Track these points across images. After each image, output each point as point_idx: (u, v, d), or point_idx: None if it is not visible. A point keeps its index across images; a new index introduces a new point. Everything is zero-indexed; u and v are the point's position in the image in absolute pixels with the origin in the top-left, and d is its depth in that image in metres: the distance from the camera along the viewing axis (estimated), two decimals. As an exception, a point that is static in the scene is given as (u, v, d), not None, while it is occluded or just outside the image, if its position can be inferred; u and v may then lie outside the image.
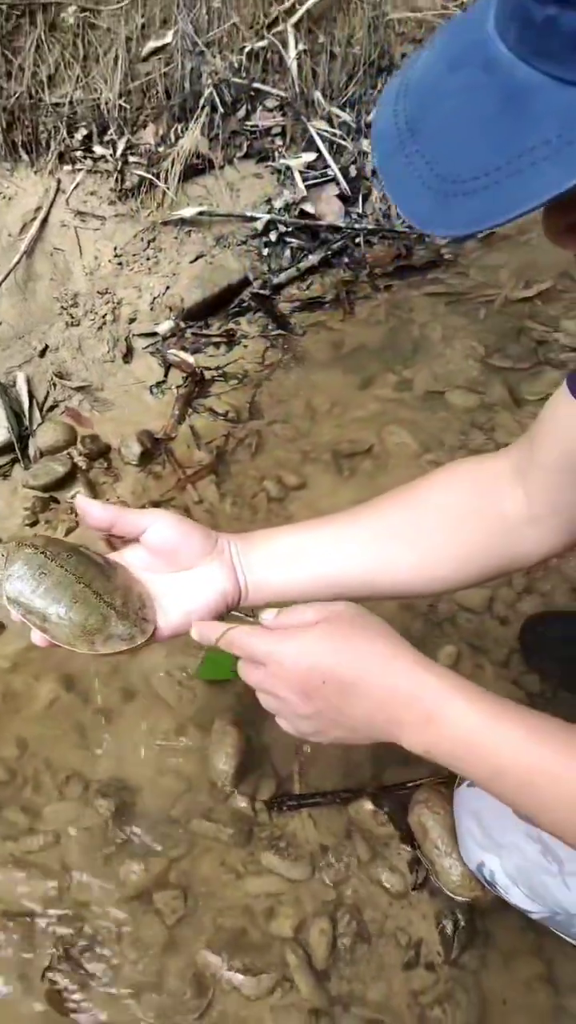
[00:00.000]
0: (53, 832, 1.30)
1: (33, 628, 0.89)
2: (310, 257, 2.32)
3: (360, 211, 2.42)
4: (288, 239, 2.33)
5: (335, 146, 2.42)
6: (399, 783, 1.33)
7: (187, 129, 2.30)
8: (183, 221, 2.24)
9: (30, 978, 1.16)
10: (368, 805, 1.30)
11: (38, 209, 2.15)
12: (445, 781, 1.27)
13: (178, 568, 0.95)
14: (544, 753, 0.74)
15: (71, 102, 2.24)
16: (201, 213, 2.25)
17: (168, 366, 2.05)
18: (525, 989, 1.16)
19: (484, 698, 0.77)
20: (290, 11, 2.40)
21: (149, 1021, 1.13)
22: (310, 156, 2.39)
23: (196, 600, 0.93)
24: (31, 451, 1.83)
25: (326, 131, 2.41)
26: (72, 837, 1.29)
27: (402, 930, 1.20)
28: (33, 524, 1.72)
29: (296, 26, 2.39)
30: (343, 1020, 1.13)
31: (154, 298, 2.14)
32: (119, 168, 2.25)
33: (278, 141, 2.42)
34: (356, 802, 1.31)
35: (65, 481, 1.80)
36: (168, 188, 2.24)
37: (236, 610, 0.96)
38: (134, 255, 2.18)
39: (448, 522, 0.99)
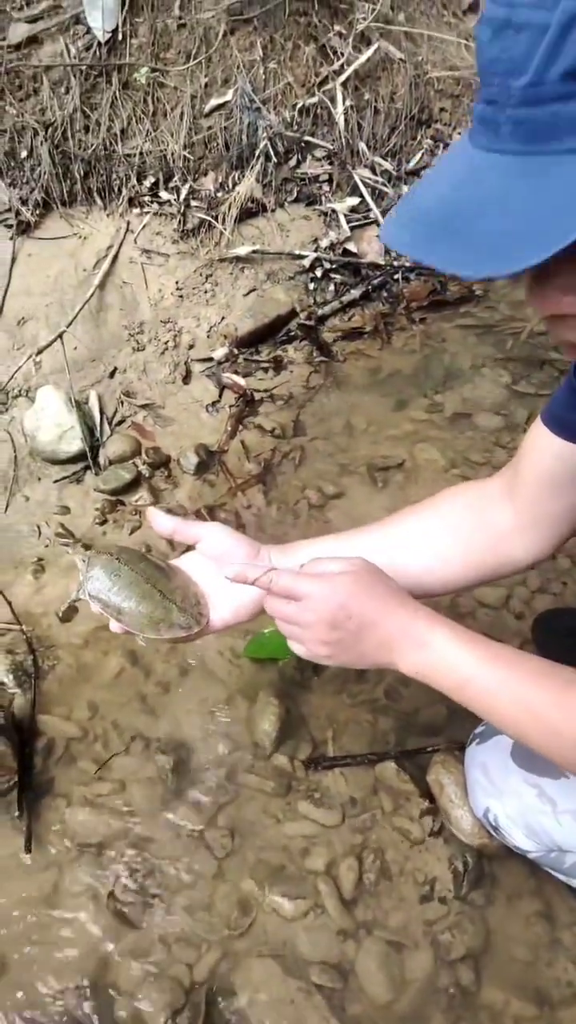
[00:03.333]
0: (120, 781, 1.50)
1: (111, 619, 1.11)
2: (352, 292, 2.54)
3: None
4: (332, 275, 2.56)
5: (377, 191, 2.66)
6: (420, 748, 1.51)
7: (243, 177, 2.55)
8: (238, 258, 2.48)
9: (99, 897, 1.36)
10: (392, 766, 1.48)
11: (109, 247, 2.41)
12: (460, 746, 1.46)
13: None
14: (496, 671, 0.97)
15: (141, 153, 2.50)
16: (254, 251, 2.49)
17: (222, 388, 2.28)
18: (525, 923, 1.34)
19: (459, 631, 1.00)
20: (339, 71, 2.65)
21: (200, 934, 1.32)
22: (354, 200, 2.63)
23: (242, 598, 1.12)
24: (101, 460, 2.07)
25: (369, 178, 2.65)
26: (135, 785, 1.49)
27: (419, 870, 1.38)
28: (102, 523, 1.95)
29: (344, 84, 2.64)
30: (366, 940, 1.31)
31: (211, 327, 2.38)
32: (182, 211, 2.50)
33: (325, 187, 2.66)
34: (382, 763, 1.49)
35: (131, 487, 2.03)
36: (225, 229, 2.48)
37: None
38: (193, 288, 2.42)
39: (452, 532, 1.20)
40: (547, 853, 1.25)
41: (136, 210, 2.49)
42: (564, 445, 1.06)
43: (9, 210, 2.35)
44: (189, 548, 1.18)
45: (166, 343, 2.32)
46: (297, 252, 2.53)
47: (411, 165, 2.71)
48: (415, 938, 1.32)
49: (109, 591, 1.10)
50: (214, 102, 2.56)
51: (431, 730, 1.56)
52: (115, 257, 2.40)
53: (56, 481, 2.03)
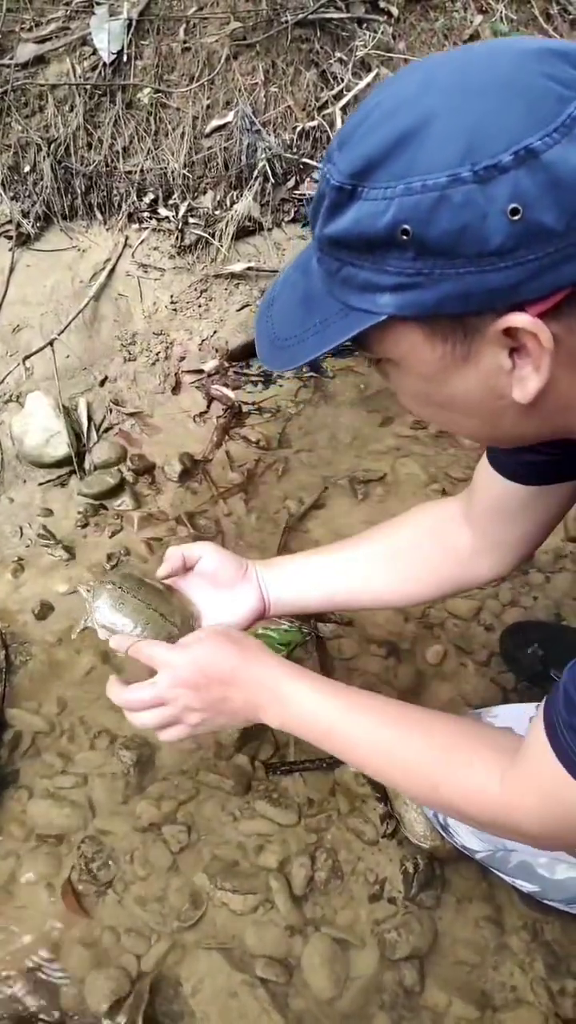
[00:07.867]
0: (82, 775, 1.53)
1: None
2: (344, 310, 2.58)
3: (393, 272, 2.68)
4: (325, 294, 2.61)
5: (372, 214, 2.70)
6: (379, 752, 1.53)
7: (241, 196, 2.61)
8: (232, 275, 2.53)
9: (55, 885, 1.38)
10: (351, 770, 1.50)
11: (107, 261, 2.46)
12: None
13: (218, 587, 1.22)
14: (358, 719, 1.01)
15: (142, 170, 2.56)
16: (249, 268, 2.54)
17: (211, 399, 2.32)
18: (473, 927, 1.34)
19: (318, 683, 1.05)
20: (338, 96, 2.71)
21: (151, 925, 1.34)
22: (349, 222, 2.68)
23: (234, 614, 1.21)
24: (87, 465, 2.11)
25: (365, 201, 2.70)
26: (98, 780, 1.52)
27: (370, 870, 1.39)
28: (84, 526, 1.99)
29: (343, 109, 2.70)
30: (314, 937, 1.32)
31: (202, 340, 2.43)
32: (180, 228, 2.55)
33: (322, 208, 2.71)
34: (341, 767, 1.51)
35: (114, 491, 2.06)
36: (221, 246, 2.53)
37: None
38: (188, 302, 2.47)
39: (415, 551, 1.27)
40: (493, 853, 1.26)
41: (135, 225, 2.54)
42: (505, 481, 1.11)
43: (10, 222, 2.41)
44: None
45: (157, 354, 2.37)
46: (292, 270, 2.58)
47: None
48: (362, 936, 1.33)
49: (115, 619, 1.17)
50: (215, 123, 2.62)
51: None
52: (112, 270, 2.45)
53: (41, 484, 2.07)
